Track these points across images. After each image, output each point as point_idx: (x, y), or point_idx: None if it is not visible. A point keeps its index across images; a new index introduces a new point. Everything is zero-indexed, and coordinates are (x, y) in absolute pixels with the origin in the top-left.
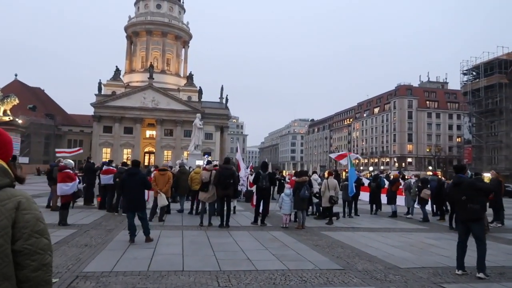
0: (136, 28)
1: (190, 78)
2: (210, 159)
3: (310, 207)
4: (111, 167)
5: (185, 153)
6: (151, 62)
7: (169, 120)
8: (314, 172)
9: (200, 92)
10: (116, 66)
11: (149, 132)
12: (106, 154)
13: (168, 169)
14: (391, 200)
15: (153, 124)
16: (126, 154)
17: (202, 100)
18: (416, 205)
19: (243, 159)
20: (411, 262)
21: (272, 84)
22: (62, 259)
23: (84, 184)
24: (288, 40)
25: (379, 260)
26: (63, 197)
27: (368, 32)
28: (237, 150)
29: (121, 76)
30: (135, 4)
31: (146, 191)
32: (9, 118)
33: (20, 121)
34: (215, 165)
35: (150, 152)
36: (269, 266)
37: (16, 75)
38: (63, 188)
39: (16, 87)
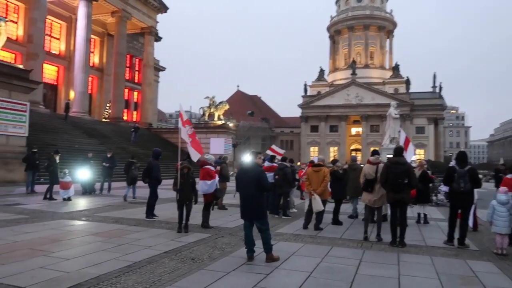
0: (337, 27)
1: (395, 69)
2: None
3: None
4: (274, 164)
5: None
6: (353, 58)
7: (374, 115)
8: None
9: (407, 82)
10: (320, 67)
11: (354, 129)
12: (313, 152)
13: (324, 164)
14: None
15: (358, 121)
16: (333, 152)
17: (410, 91)
18: None
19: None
20: None
21: (499, 66)
22: (141, 278)
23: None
24: None
25: None
26: (204, 196)
27: None
28: (400, 135)
29: (325, 76)
30: (336, 3)
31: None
32: (222, 122)
33: (231, 125)
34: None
35: (356, 150)
36: None
37: (238, 86)
38: (203, 186)
39: (238, 97)
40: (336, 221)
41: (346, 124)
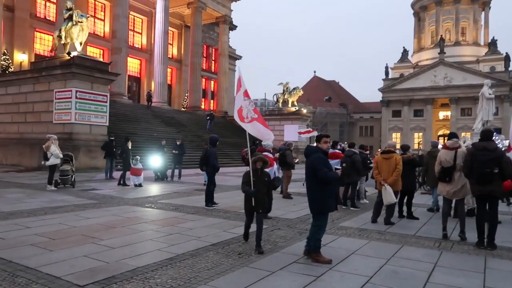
0: (423, 2)
1: (492, 44)
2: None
3: None
4: (337, 150)
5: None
6: (441, 36)
7: (466, 97)
8: None
9: (507, 59)
10: (404, 47)
11: (442, 113)
12: (396, 139)
13: (396, 151)
14: None
15: (447, 104)
16: (417, 139)
17: (510, 69)
18: None
19: None
20: None
21: None
22: (177, 274)
23: None
24: None
25: None
26: None
27: None
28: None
29: (409, 57)
30: None
31: None
32: (295, 109)
33: (305, 111)
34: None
35: (444, 135)
36: None
37: (315, 71)
38: None
39: (315, 82)
40: (410, 216)
41: (432, 107)
